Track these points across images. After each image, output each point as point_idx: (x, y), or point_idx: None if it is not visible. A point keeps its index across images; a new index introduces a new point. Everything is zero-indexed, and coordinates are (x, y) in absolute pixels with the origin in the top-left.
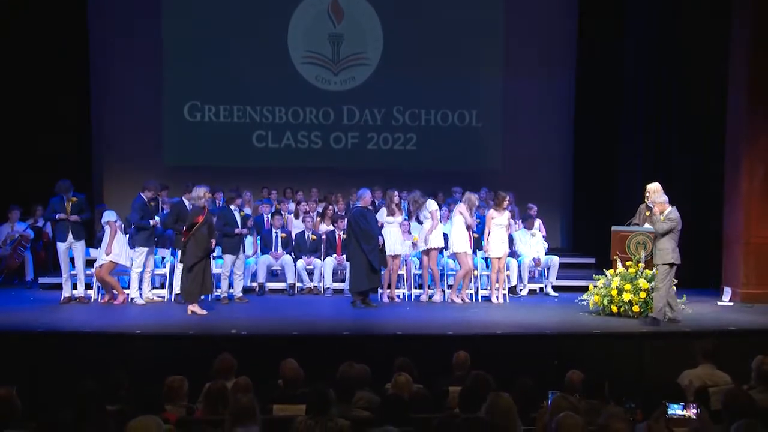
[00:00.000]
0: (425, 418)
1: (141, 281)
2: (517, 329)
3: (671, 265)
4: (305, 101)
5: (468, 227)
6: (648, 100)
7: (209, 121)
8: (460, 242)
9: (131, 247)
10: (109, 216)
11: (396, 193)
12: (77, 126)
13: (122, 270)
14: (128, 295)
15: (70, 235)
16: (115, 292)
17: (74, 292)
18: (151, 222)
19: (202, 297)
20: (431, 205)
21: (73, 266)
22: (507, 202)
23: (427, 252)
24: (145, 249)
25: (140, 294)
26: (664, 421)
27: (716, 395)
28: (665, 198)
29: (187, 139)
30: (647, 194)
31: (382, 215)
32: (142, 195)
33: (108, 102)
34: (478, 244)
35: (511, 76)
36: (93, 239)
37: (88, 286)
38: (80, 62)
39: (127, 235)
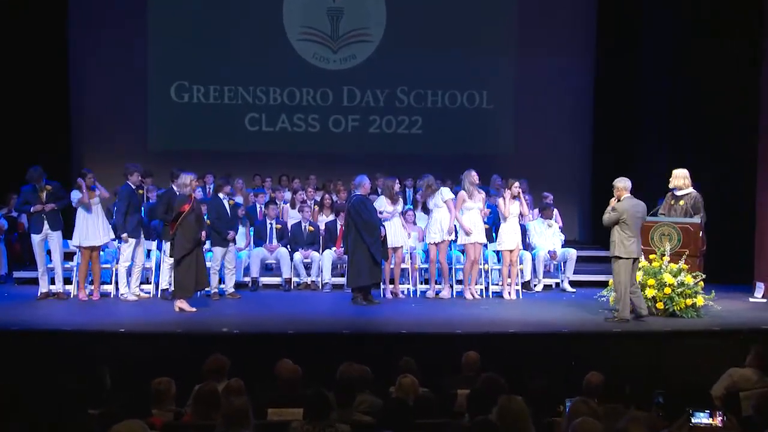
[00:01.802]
0: (431, 423)
1: (129, 276)
2: (531, 328)
3: (618, 258)
4: (302, 81)
5: (481, 211)
6: (671, 83)
7: (198, 102)
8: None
9: (117, 239)
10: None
11: (396, 181)
12: (54, 108)
13: (104, 261)
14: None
15: (46, 225)
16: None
17: (52, 287)
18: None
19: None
20: (447, 193)
21: (50, 259)
22: (517, 189)
23: (437, 244)
24: (132, 240)
25: (129, 290)
26: (688, 429)
27: (748, 400)
28: (626, 184)
29: (174, 122)
30: (670, 180)
31: (381, 204)
32: (128, 183)
33: (87, 82)
34: (488, 236)
35: (526, 54)
36: (71, 230)
37: (67, 281)
38: (57, 39)
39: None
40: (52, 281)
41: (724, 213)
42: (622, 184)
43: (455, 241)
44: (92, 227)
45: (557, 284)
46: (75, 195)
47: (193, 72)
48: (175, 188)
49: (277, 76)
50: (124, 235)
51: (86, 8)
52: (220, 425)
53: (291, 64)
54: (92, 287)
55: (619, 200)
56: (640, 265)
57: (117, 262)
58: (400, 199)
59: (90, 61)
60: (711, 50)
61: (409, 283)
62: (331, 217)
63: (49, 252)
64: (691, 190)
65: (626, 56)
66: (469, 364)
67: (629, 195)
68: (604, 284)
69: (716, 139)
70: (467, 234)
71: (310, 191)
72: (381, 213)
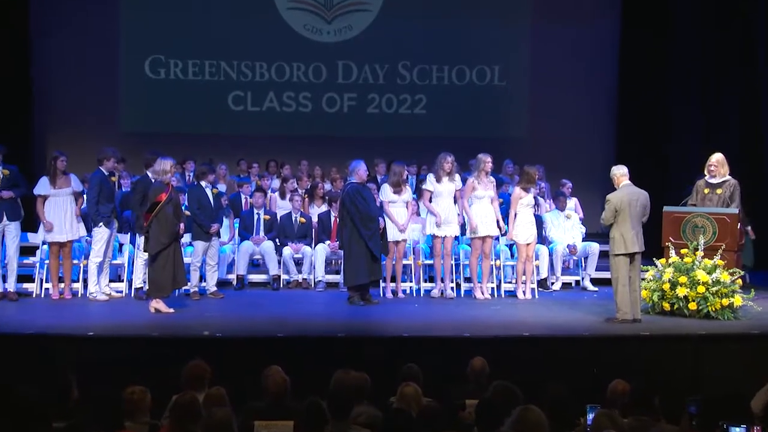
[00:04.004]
0: None
1: (99, 273)
2: (547, 330)
3: (616, 255)
4: (292, 55)
5: (493, 200)
6: (708, 52)
7: (175, 78)
8: (478, 225)
9: (89, 231)
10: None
11: (404, 166)
12: (13, 85)
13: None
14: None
15: (5, 216)
16: (61, 286)
17: (6, 285)
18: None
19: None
20: (457, 181)
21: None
22: (537, 177)
23: (443, 237)
24: (106, 233)
25: (99, 288)
26: None
27: None
28: (624, 170)
29: (149, 101)
30: (710, 167)
31: (386, 193)
32: (101, 168)
33: (51, 55)
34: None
35: (542, 25)
36: (34, 221)
37: (27, 279)
38: (16, 7)
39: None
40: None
41: (764, 203)
42: (620, 171)
43: (463, 233)
44: (61, 221)
45: (577, 282)
46: (43, 184)
47: (169, 45)
48: (150, 175)
49: (264, 50)
50: (100, 225)
51: None
52: None
53: (280, 36)
54: (62, 285)
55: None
56: (670, 260)
57: (86, 258)
58: (408, 188)
59: (54, 33)
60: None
61: (411, 281)
62: (324, 208)
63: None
64: (729, 177)
65: (656, 23)
66: (475, 371)
67: (628, 182)
68: None
69: (760, 118)
70: (473, 229)
71: (304, 180)
72: (390, 204)
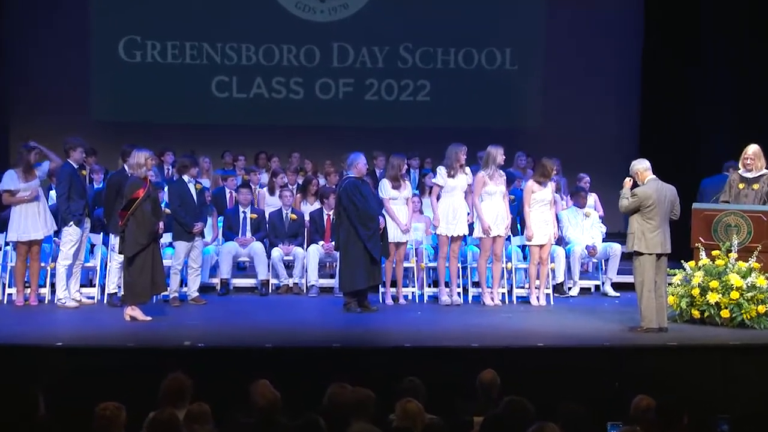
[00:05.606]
0: None
1: (69, 277)
2: (564, 340)
3: (638, 253)
4: (282, 36)
5: (504, 196)
6: (740, 32)
7: (153, 62)
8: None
9: (57, 232)
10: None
11: (404, 159)
12: None
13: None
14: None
15: None
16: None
17: None
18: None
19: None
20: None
21: None
22: (554, 172)
23: (452, 237)
24: (77, 232)
25: (68, 294)
26: None
27: None
28: (647, 164)
29: (124, 87)
30: (746, 159)
31: (387, 190)
32: (69, 161)
33: (16, 36)
34: (513, 228)
35: (558, 3)
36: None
37: None
38: None
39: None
40: None
41: None
42: (643, 165)
43: (471, 233)
44: (32, 217)
45: (597, 287)
46: (11, 178)
47: (146, 25)
48: (126, 169)
49: (252, 30)
50: (71, 225)
51: None
52: None
53: (268, 16)
54: (27, 291)
55: (637, 185)
56: (700, 263)
57: (54, 260)
58: (408, 184)
59: (20, 12)
60: None
61: (413, 286)
62: (317, 205)
63: None
64: (766, 171)
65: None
66: (485, 385)
67: (654, 177)
68: None
69: None
70: (485, 230)
71: (293, 173)
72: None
